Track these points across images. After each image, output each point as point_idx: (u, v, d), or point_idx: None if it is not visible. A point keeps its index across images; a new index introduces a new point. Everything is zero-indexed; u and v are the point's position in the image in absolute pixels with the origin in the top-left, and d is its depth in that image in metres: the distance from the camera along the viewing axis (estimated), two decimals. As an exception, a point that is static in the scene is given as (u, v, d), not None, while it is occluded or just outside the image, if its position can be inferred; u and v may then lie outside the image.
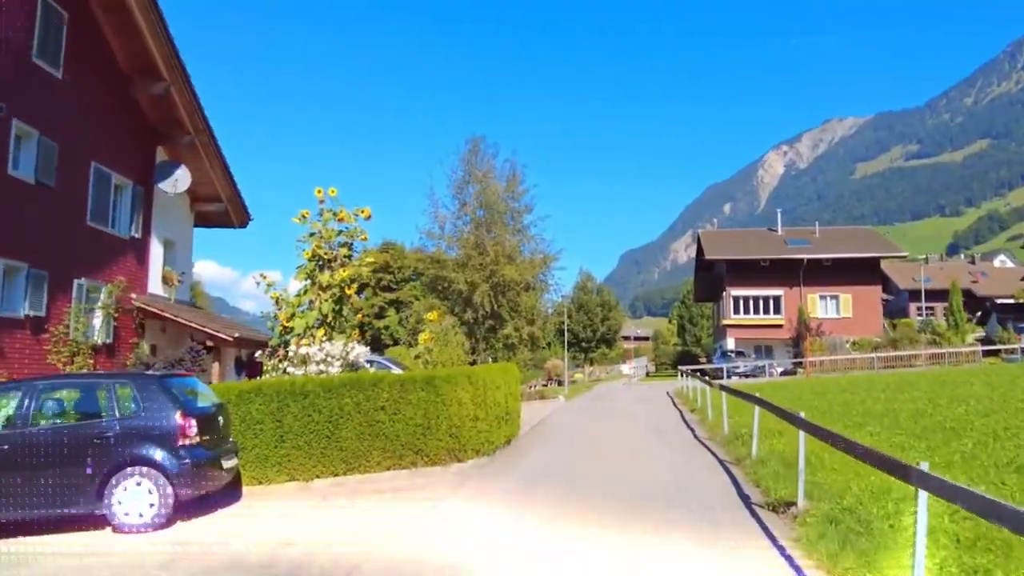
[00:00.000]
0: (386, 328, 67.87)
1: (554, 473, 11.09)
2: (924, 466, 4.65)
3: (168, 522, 8.42)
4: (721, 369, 39.03)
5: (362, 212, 14.10)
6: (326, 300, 13.51)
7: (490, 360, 54.79)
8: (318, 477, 10.97)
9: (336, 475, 10.97)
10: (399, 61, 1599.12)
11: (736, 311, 48.72)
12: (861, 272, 47.54)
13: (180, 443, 8.64)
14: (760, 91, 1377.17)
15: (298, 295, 13.87)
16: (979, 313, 53.90)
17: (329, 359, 12.55)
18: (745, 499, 8.86)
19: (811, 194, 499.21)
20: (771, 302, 48.48)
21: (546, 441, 14.99)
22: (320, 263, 13.78)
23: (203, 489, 8.99)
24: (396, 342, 64.17)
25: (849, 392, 23.27)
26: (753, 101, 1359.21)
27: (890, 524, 6.58)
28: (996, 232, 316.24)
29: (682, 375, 32.47)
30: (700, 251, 54.57)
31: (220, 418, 9.84)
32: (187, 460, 8.61)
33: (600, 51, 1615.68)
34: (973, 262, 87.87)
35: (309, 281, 13.86)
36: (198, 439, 8.82)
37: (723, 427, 15.10)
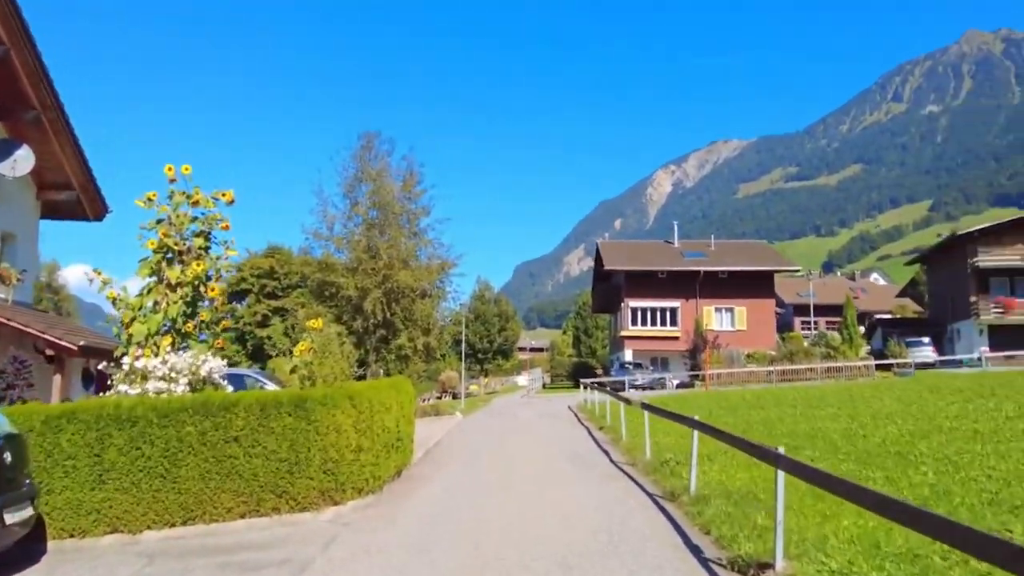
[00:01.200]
0: (269, 338, 63.88)
1: (456, 516, 9.00)
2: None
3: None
4: (622, 382, 37.98)
5: (223, 195, 11.57)
6: (175, 302, 10.91)
7: (381, 374, 52.03)
8: (149, 527, 8.48)
9: (173, 525, 8.50)
10: (290, 59, 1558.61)
11: (634, 322, 48.14)
12: (755, 285, 48.00)
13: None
14: (651, 111, 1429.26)
15: (140, 295, 11.18)
16: (862, 328, 55.68)
17: (173, 374, 9.99)
18: (696, 552, 7.04)
19: (697, 212, 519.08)
20: (668, 314, 48.19)
21: (445, 470, 12.88)
22: (168, 256, 11.17)
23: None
24: (279, 352, 60.55)
25: (759, 407, 22.35)
26: (644, 121, 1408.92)
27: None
28: (867, 252, 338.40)
29: (585, 388, 31.09)
30: (598, 261, 53.89)
31: (6, 454, 7.25)
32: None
33: (497, 65, 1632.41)
34: (853, 279, 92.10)
35: (155, 278, 11.22)
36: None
37: (644, 451, 13.43)
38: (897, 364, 39.18)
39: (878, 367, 38.69)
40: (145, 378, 10.23)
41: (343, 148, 42.38)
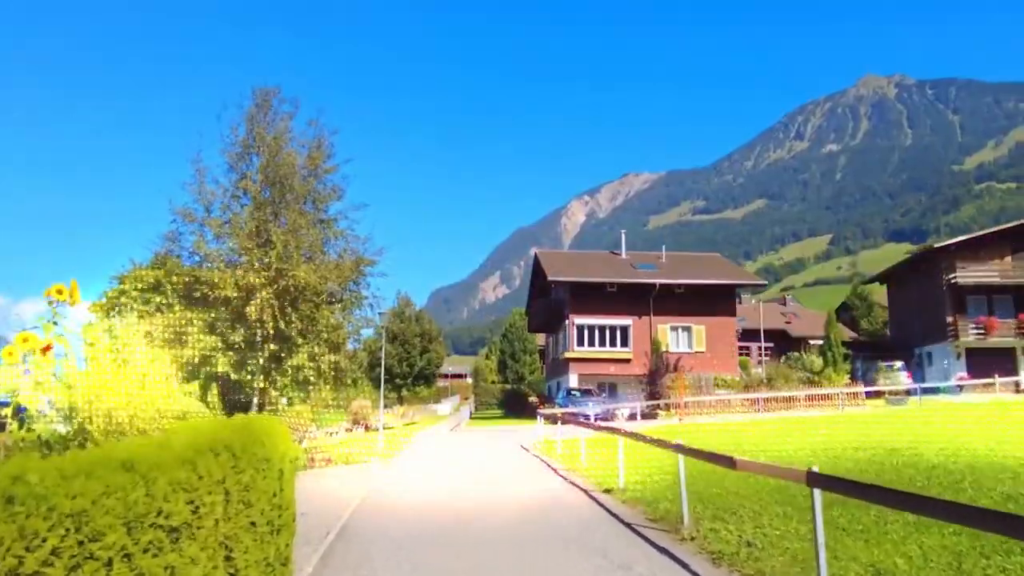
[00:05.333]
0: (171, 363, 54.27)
1: None
2: None
3: None
4: (576, 414, 31.18)
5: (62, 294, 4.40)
6: None
7: (279, 400, 42.83)
8: None
9: None
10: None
11: (580, 343, 41.61)
12: (715, 301, 42.44)
13: None
14: (567, 142, 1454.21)
15: None
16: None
17: None
18: None
19: (609, 242, 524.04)
20: (618, 332, 41.95)
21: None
22: None
23: None
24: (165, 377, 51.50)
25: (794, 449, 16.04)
26: (560, 151, 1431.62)
27: None
28: (771, 283, 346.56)
29: (553, 422, 24.16)
30: (537, 273, 47.35)
31: None
32: None
33: (417, 88, 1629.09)
34: (784, 303, 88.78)
35: None
36: None
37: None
38: (889, 392, 34.08)
39: (868, 395, 33.47)
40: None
41: (233, 105, 34.15)
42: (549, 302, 45.54)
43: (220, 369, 23.55)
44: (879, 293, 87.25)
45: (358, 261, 25.17)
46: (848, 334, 75.69)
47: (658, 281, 41.73)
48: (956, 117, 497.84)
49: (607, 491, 12.34)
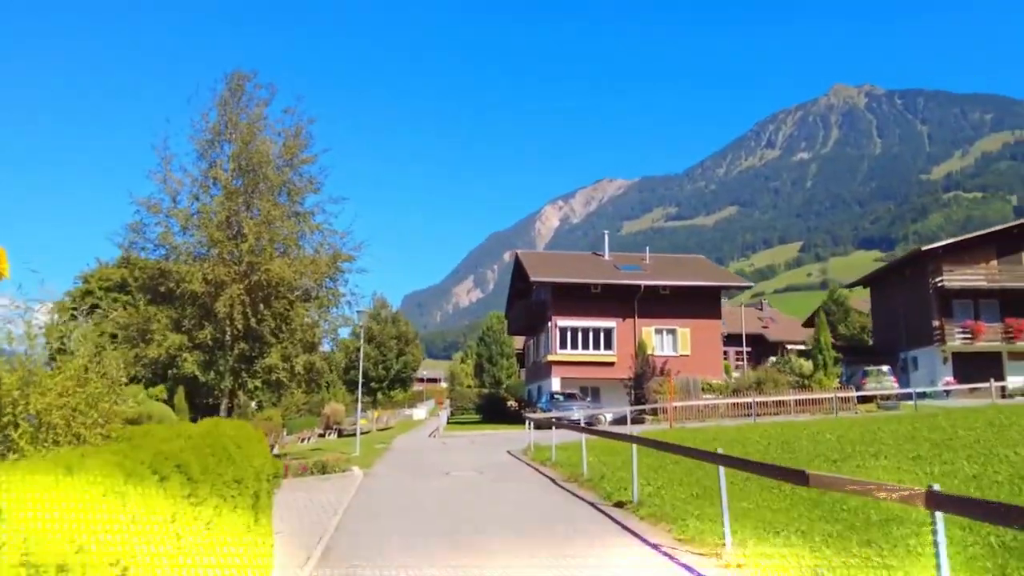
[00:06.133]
0: (135, 362, 51.98)
1: None
2: None
3: None
4: (563, 418, 29.95)
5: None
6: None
7: (249, 403, 41.23)
8: None
9: None
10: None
11: (563, 345, 40.40)
12: (700, 303, 41.52)
13: None
14: (542, 147, 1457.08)
15: None
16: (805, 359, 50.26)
17: None
18: None
19: (584, 247, 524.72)
20: (602, 335, 40.82)
21: None
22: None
23: None
24: (132, 379, 49.50)
25: (833, 458, 14.90)
26: (535, 156, 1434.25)
27: None
28: (735, 294, 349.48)
29: (531, 425, 22.89)
30: (518, 275, 46.09)
31: None
32: None
33: (396, 91, 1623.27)
34: (761, 308, 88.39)
35: None
36: None
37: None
38: (880, 396, 33.32)
39: (860, 399, 32.65)
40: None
41: (205, 89, 32.25)
42: (530, 304, 44.30)
43: (187, 370, 21.99)
44: (855, 298, 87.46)
45: (335, 256, 23.77)
46: (825, 338, 75.37)
47: (643, 282, 40.70)
48: (924, 127, 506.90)
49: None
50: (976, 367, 39.03)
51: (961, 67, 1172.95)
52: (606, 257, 46.35)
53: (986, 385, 36.01)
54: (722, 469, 7.84)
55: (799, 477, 5.98)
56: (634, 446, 11.43)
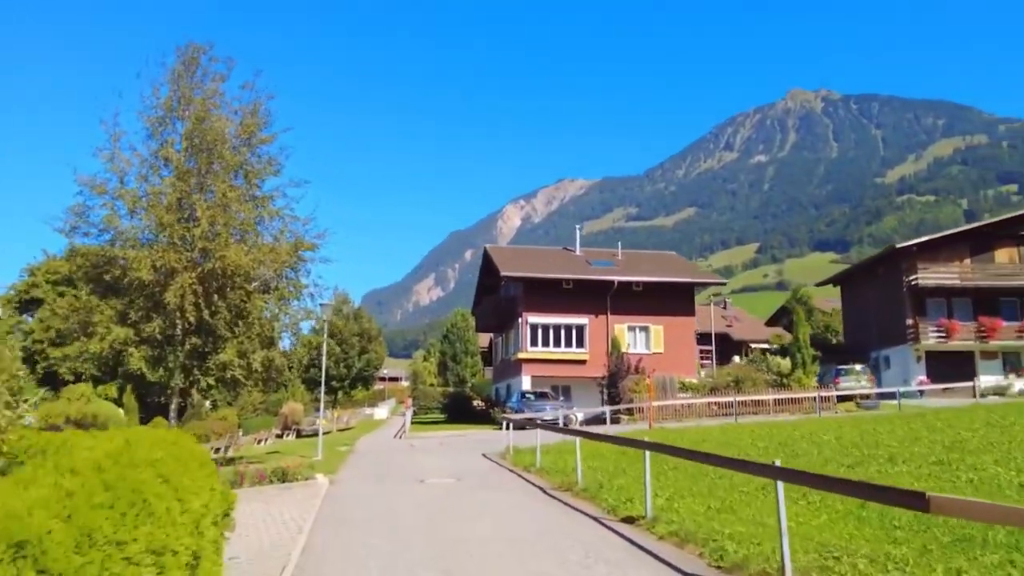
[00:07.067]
0: (66, 359, 49.25)
1: None
2: None
3: None
4: (536, 418, 28.57)
5: None
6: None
7: (204, 403, 39.38)
8: None
9: None
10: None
11: (534, 343, 39.01)
12: (674, 300, 40.51)
13: None
14: (503, 146, 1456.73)
15: None
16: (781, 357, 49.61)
17: None
18: None
19: (545, 246, 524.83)
20: (574, 332, 39.53)
21: None
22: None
23: None
24: (79, 377, 46.94)
25: (878, 460, 13.71)
26: (496, 155, 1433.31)
27: None
28: (699, 290, 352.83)
29: (510, 428, 21.41)
30: (487, 270, 44.60)
31: None
32: None
33: (358, 90, 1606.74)
34: (725, 307, 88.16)
35: None
36: None
37: None
38: (860, 396, 32.62)
39: (839, 399, 31.92)
40: None
41: (155, 63, 29.89)
42: (499, 300, 42.83)
43: (133, 366, 20.06)
44: (818, 298, 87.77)
45: (297, 244, 21.97)
46: (789, 338, 75.39)
47: (616, 278, 39.52)
48: (879, 131, 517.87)
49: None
50: (949, 366, 38.73)
51: (914, 74, 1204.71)
52: (577, 252, 45.12)
53: (961, 385, 35.69)
54: (780, 485, 6.46)
55: (914, 500, 4.62)
56: (647, 453, 9.98)
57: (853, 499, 8.93)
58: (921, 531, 7.98)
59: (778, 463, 6.56)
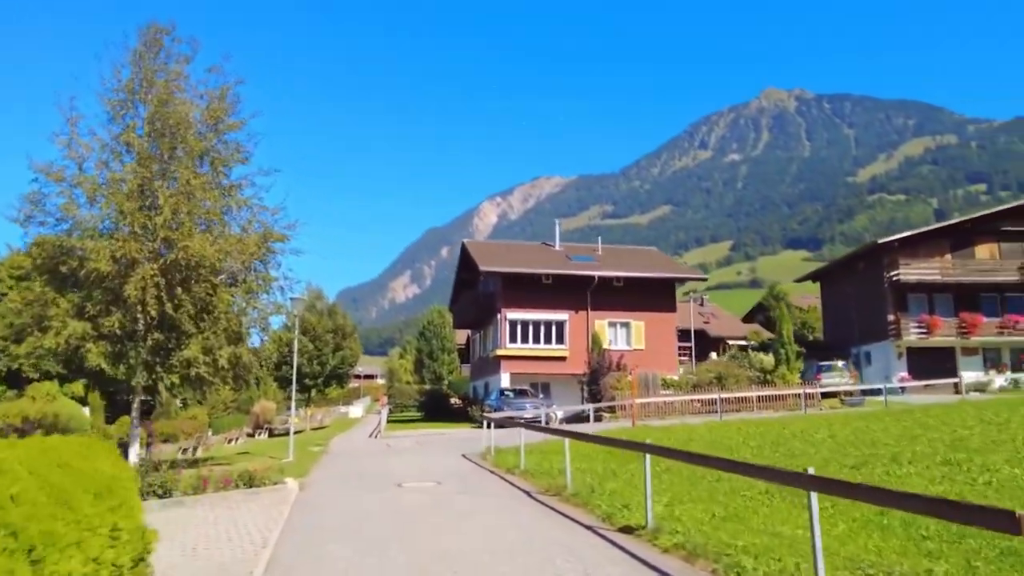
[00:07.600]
0: (28, 355, 47.30)
1: None
2: None
3: None
4: (517, 416, 27.76)
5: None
6: None
7: (173, 401, 37.90)
8: None
9: None
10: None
11: (513, 339, 38.17)
12: (655, 296, 39.92)
13: None
14: (480, 143, 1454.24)
15: None
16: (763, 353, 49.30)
17: None
18: None
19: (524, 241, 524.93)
20: (554, 328, 38.76)
21: None
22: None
23: None
24: (46, 375, 45.24)
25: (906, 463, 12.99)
26: (473, 152, 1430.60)
27: None
28: (679, 286, 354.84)
29: (492, 427, 20.51)
30: (465, 265, 43.66)
31: None
32: None
33: (335, 87, 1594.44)
34: (702, 304, 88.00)
35: None
36: None
37: None
38: (844, 392, 32.20)
39: (823, 395, 31.45)
40: None
41: (115, 45, 28.65)
42: (478, 296, 41.91)
43: (91, 362, 18.86)
44: (794, 294, 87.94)
45: (266, 235, 20.83)
46: (766, 335, 75.33)
47: (597, 273, 38.80)
48: (851, 131, 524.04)
49: None
50: (931, 362, 38.57)
51: (886, 74, 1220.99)
52: (557, 247, 44.36)
53: (942, 381, 35.50)
54: (815, 496, 5.65)
55: (1004, 521, 3.82)
56: (647, 456, 9.17)
57: (870, 506, 8.21)
58: (953, 542, 7.25)
59: (811, 471, 5.75)
